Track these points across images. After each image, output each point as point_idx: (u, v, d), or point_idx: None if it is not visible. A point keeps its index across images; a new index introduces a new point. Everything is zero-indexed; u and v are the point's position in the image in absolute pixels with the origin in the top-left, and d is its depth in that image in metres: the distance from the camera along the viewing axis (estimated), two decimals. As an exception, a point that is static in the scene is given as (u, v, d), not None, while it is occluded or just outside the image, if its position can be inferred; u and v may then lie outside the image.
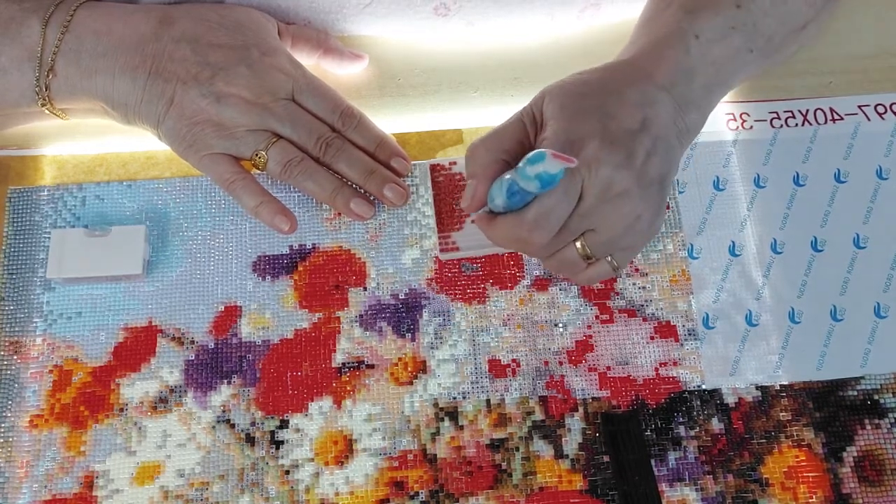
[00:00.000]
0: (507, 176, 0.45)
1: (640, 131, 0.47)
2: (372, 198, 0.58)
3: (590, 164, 0.45)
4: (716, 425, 0.54)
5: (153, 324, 0.56)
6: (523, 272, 0.58)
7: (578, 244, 0.48)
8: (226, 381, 0.55)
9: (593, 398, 0.55)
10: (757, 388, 0.55)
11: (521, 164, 0.43)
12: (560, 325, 0.56)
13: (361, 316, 0.57)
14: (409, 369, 0.55)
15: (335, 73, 0.63)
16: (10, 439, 0.53)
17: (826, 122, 0.62)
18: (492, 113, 0.62)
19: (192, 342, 0.56)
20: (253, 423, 0.54)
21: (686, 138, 0.51)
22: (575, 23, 0.64)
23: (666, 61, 0.51)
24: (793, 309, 0.57)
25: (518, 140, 0.49)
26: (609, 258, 0.49)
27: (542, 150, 0.41)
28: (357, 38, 0.64)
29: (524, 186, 0.43)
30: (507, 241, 0.49)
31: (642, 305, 0.57)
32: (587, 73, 0.51)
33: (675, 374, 0.55)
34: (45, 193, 0.59)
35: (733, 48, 0.53)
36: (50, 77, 0.54)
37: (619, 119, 0.47)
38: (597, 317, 0.57)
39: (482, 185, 0.48)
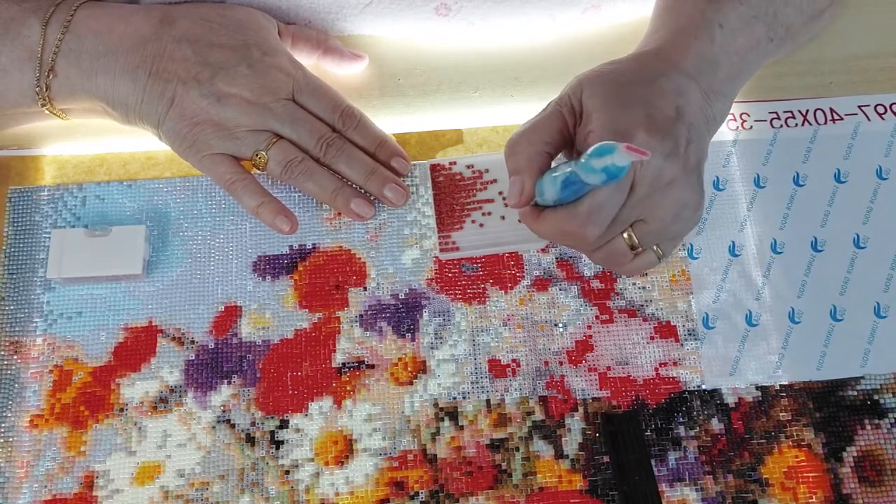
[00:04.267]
0: (566, 168, 0.44)
1: (677, 120, 0.47)
2: (372, 198, 0.58)
3: None
4: (716, 425, 0.54)
5: (153, 324, 0.56)
6: (523, 272, 0.58)
7: (625, 235, 0.48)
8: (226, 381, 0.55)
9: (593, 398, 0.55)
10: (757, 388, 0.55)
11: (584, 157, 0.41)
12: (560, 325, 0.56)
13: (361, 316, 0.57)
14: (409, 369, 0.55)
15: (335, 73, 0.62)
16: (11, 439, 0.53)
17: (826, 122, 0.62)
18: (492, 113, 0.62)
19: (193, 342, 0.56)
20: (253, 423, 0.54)
21: (713, 126, 0.51)
22: (576, 23, 0.64)
23: (691, 51, 0.51)
24: (793, 309, 0.57)
25: (558, 130, 0.48)
26: (655, 248, 0.49)
27: (610, 143, 0.40)
28: (357, 38, 0.64)
29: (586, 179, 0.42)
30: (556, 236, 0.48)
31: (642, 305, 0.57)
32: (621, 64, 0.50)
33: (675, 375, 0.55)
34: (46, 193, 0.59)
35: (755, 38, 0.53)
36: (50, 77, 0.54)
37: (660, 108, 0.47)
38: (597, 317, 0.57)
39: (530, 180, 0.47)
